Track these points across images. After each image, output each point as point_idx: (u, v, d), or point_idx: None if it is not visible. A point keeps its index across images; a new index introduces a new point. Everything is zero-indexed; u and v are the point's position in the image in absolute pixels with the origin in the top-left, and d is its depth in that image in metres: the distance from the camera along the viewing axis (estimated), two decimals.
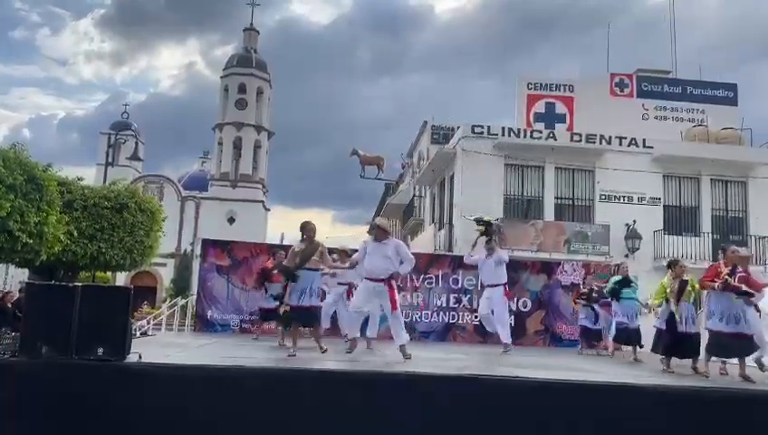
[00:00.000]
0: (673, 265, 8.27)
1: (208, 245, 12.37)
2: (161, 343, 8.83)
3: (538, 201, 20.59)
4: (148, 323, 14.24)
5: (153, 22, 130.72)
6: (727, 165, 20.99)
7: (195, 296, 13.13)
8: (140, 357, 5.74)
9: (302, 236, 7.72)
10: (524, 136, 20.69)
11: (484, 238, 9.82)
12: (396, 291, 7.61)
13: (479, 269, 10.02)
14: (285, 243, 14.45)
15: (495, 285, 9.65)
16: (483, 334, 12.05)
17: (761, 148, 22.70)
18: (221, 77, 51.53)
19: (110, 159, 23.84)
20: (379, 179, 33.76)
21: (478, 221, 9.92)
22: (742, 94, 24.54)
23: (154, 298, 40.21)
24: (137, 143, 28.51)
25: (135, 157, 28.31)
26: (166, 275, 43.18)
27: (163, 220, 17.35)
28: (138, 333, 11.12)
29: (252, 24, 52.89)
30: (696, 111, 23.87)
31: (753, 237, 20.40)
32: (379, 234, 7.67)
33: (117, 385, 5.46)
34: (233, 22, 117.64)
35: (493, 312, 9.65)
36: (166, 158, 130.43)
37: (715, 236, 20.28)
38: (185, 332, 13.79)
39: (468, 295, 12.32)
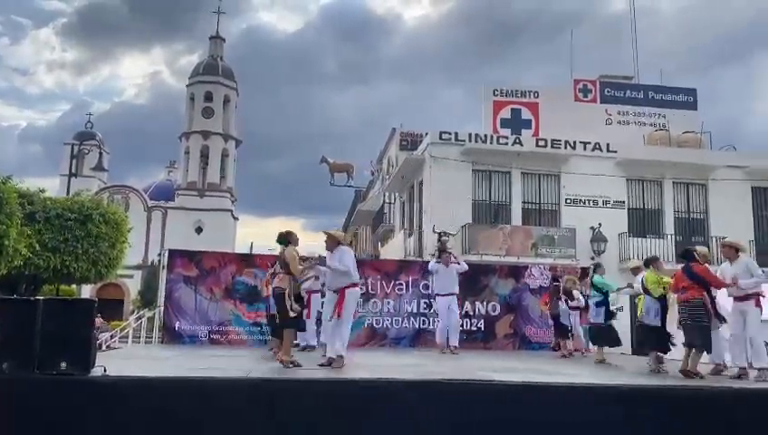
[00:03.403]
0: (653, 262, 8.50)
1: (175, 255, 12.19)
2: (127, 356, 8.69)
3: (505, 206, 20.82)
4: (112, 337, 14.00)
5: (116, 31, 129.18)
6: (688, 168, 21.51)
7: (162, 308, 12.94)
8: (105, 370, 5.64)
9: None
10: (491, 142, 20.94)
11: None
12: (345, 301, 7.28)
13: (437, 278, 10.74)
14: (255, 252, 14.36)
15: (453, 294, 10.54)
16: None
17: (720, 151, 23.32)
18: (187, 85, 51.12)
19: (73, 170, 23.39)
20: (348, 186, 33.89)
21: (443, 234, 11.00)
22: (701, 99, 25.23)
23: (121, 310, 39.52)
24: (101, 153, 27.91)
25: (99, 167, 27.77)
26: (133, 286, 42.51)
27: (129, 231, 17.11)
28: (104, 347, 10.95)
29: (218, 32, 52.60)
30: (657, 115, 24.39)
31: (714, 238, 20.86)
32: (329, 243, 7.49)
33: (81, 399, 5.36)
34: (198, 32, 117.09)
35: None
36: (131, 168, 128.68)
37: (678, 237, 20.71)
38: (152, 344, 13.61)
39: None
